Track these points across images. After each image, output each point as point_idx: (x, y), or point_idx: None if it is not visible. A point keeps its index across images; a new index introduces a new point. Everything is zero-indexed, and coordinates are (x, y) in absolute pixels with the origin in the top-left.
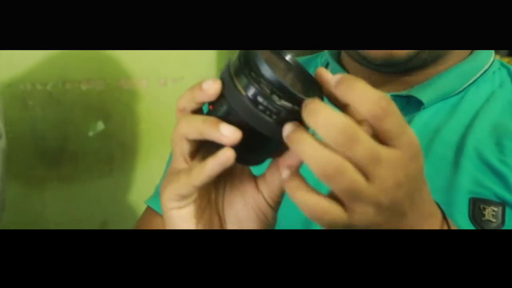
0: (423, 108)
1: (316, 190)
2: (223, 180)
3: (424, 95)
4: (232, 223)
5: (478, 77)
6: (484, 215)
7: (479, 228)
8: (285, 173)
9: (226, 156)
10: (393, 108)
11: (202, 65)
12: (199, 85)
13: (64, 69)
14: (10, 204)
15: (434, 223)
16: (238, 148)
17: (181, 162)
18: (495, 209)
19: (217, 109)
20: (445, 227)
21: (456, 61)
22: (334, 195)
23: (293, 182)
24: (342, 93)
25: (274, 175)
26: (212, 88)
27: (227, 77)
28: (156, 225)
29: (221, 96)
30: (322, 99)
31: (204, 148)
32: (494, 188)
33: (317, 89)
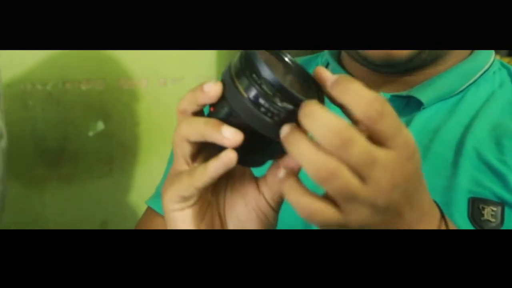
0: (423, 108)
1: (310, 191)
2: (224, 182)
3: (424, 95)
4: (233, 224)
5: (478, 77)
6: (483, 215)
7: (478, 228)
8: (281, 173)
9: (228, 158)
10: (388, 109)
11: (202, 65)
12: (200, 87)
13: (64, 69)
14: (10, 204)
15: (432, 223)
16: (239, 149)
17: (182, 164)
18: (494, 208)
19: (218, 111)
20: (443, 227)
21: (456, 61)
22: (329, 196)
23: (288, 182)
24: (337, 94)
25: (275, 176)
26: (213, 90)
27: (228, 79)
28: (156, 225)
29: (222, 98)
30: (322, 99)
31: (205, 150)
32: (494, 188)
33: (318, 89)
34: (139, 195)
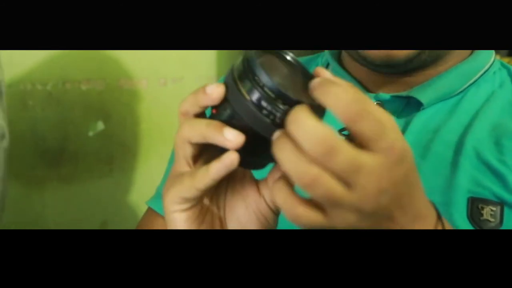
0: (423, 109)
1: (296, 194)
2: (224, 184)
3: (424, 96)
4: (234, 226)
5: (479, 78)
6: (482, 215)
7: (477, 228)
8: (271, 174)
9: (230, 159)
10: (369, 111)
11: (202, 65)
12: (202, 89)
13: (64, 69)
14: (10, 204)
15: (427, 225)
16: (241, 151)
17: (184, 166)
18: (494, 208)
19: (220, 113)
20: (439, 228)
21: (456, 61)
22: (315, 200)
23: (277, 185)
24: (319, 97)
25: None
26: (216, 92)
27: (231, 81)
28: (157, 226)
29: (225, 100)
30: None
31: (206, 152)
32: (493, 188)
33: None
34: (139, 195)
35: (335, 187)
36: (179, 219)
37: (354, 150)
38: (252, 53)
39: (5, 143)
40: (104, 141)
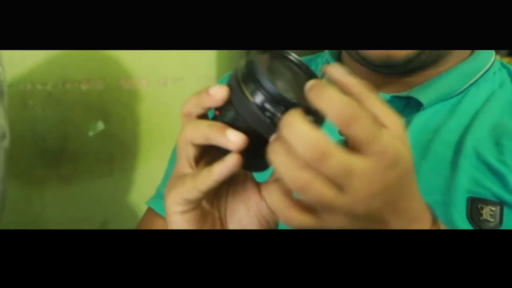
0: (423, 109)
1: (289, 196)
2: (226, 186)
3: (423, 96)
4: (235, 228)
5: (479, 78)
6: (482, 215)
7: (477, 228)
8: (272, 177)
9: (233, 161)
10: (360, 114)
11: (202, 65)
12: (206, 90)
13: (64, 69)
14: (10, 204)
15: (422, 227)
16: (244, 153)
17: (186, 167)
18: (493, 208)
19: (223, 114)
20: None
21: (456, 62)
22: (307, 203)
23: (270, 187)
24: (313, 99)
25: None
26: (219, 93)
27: (235, 83)
28: (157, 226)
29: (228, 102)
30: None
31: (209, 154)
32: (493, 188)
33: None
34: (139, 195)
35: (327, 191)
36: (180, 220)
37: (346, 154)
38: (255, 54)
39: (5, 143)
40: (104, 141)
